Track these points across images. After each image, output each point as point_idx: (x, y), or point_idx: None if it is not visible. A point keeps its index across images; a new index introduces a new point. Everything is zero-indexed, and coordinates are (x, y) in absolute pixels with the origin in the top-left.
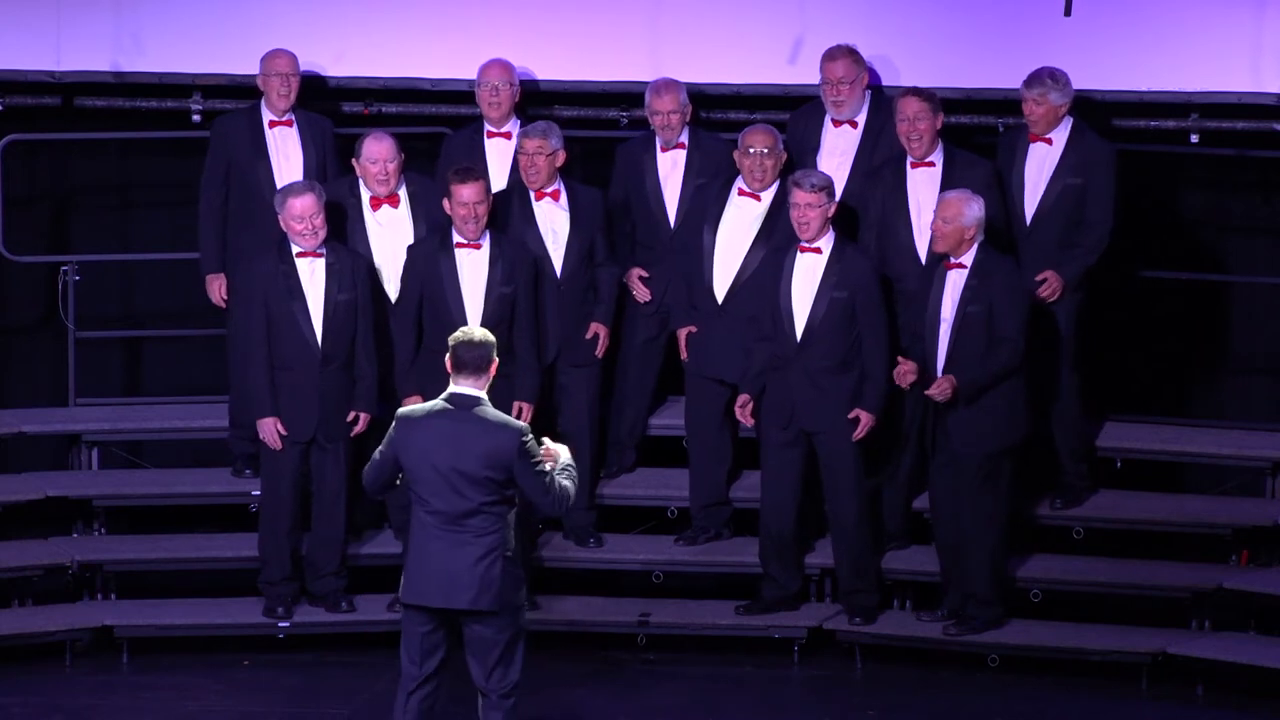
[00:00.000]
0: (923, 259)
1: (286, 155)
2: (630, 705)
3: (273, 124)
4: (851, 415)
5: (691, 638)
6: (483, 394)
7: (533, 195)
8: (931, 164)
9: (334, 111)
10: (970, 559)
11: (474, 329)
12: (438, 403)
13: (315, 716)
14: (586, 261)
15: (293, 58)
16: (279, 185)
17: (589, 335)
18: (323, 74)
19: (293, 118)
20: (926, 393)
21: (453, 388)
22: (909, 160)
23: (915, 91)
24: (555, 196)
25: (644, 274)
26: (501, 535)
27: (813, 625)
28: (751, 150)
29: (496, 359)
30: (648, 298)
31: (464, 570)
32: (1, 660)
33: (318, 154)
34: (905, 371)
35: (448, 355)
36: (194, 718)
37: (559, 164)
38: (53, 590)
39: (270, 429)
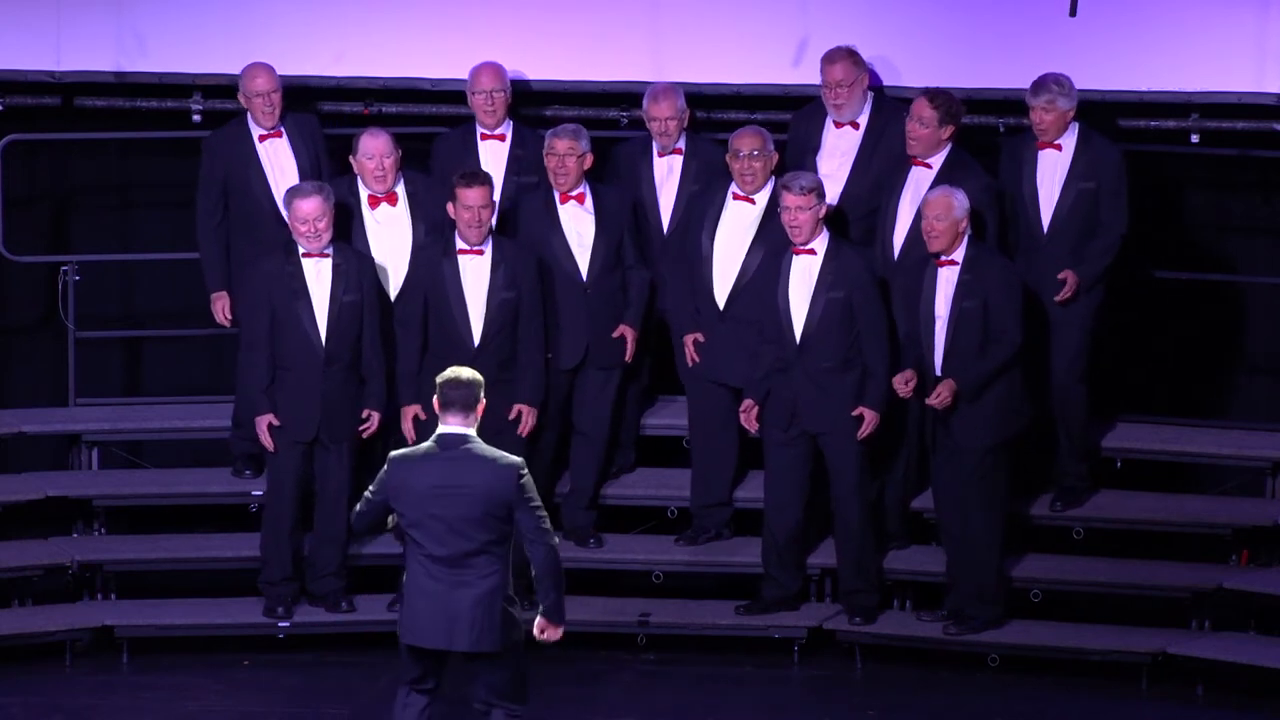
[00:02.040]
0: (896, 253)
1: (280, 167)
2: (630, 705)
3: (262, 137)
4: (855, 413)
5: (691, 638)
6: (472, 432)
7: (558, 198)
8: (929, 165)
9: (334, 112)
10: (976, 553)
11: (461, 369)
12: (430, 444)
13: (315, 716)
14: (615, 264)
15: (271, 73)
16: (277, 196)
17: (616, 335)
18: (323, 74)
19: (281, 128)
20: (927, 402)
21: (442, 428)
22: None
23: (930, 96)
24: (580, 199)
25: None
26: (502, 576)
27: (813, 625)
28: (740, 153)
29: (484, 400)
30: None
31: (464, 611)
32: (1, 660)
33: (310, 157)
34: (904, 380)
35: (435, 395)
36: (194, 718)
37: (586, 166)
38: (53, 590)
39: (264, 427)
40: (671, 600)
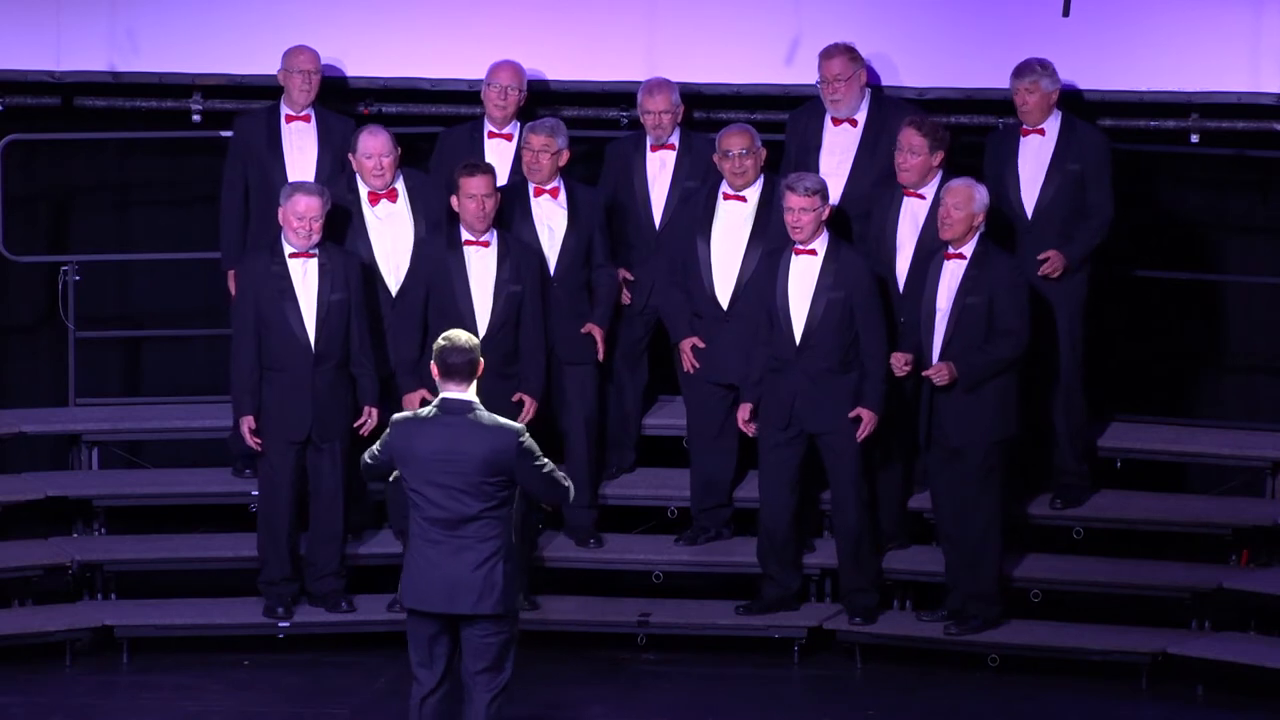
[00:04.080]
0: (901, 283)
1: (301, 150)
2: (630, 705)
3: (290, 119)
4: (853, 415)
5: (691, 638)
6: (474, 398)
7: (531, 191)
8: (922, 196)
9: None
10: (975, 554)
11: (458, 334)
12: (430, 409)
13: (315, 716)
14: (583, 261)
15: (315, 55)
16: (290, 180)
17: (584, 332)
18: (324, 74)
19: (311, 114)
20: (924, 374)
21: (443, 394)
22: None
23: (917, 125)
24: (554, 194)
25: (628, 276)
26: (503, 539)
27: (813, 625)
28: (730, 153)
29: (483, 361)
30: (628, 300)
31: (466, 574)
32: (1, 660)
33: (333, 154)
34: (902, 362)
35: (433, 361)
36: (194, 718)
37: (562, 163)
38: (53, 590)
39: (245, 429)
40: (671, 600)
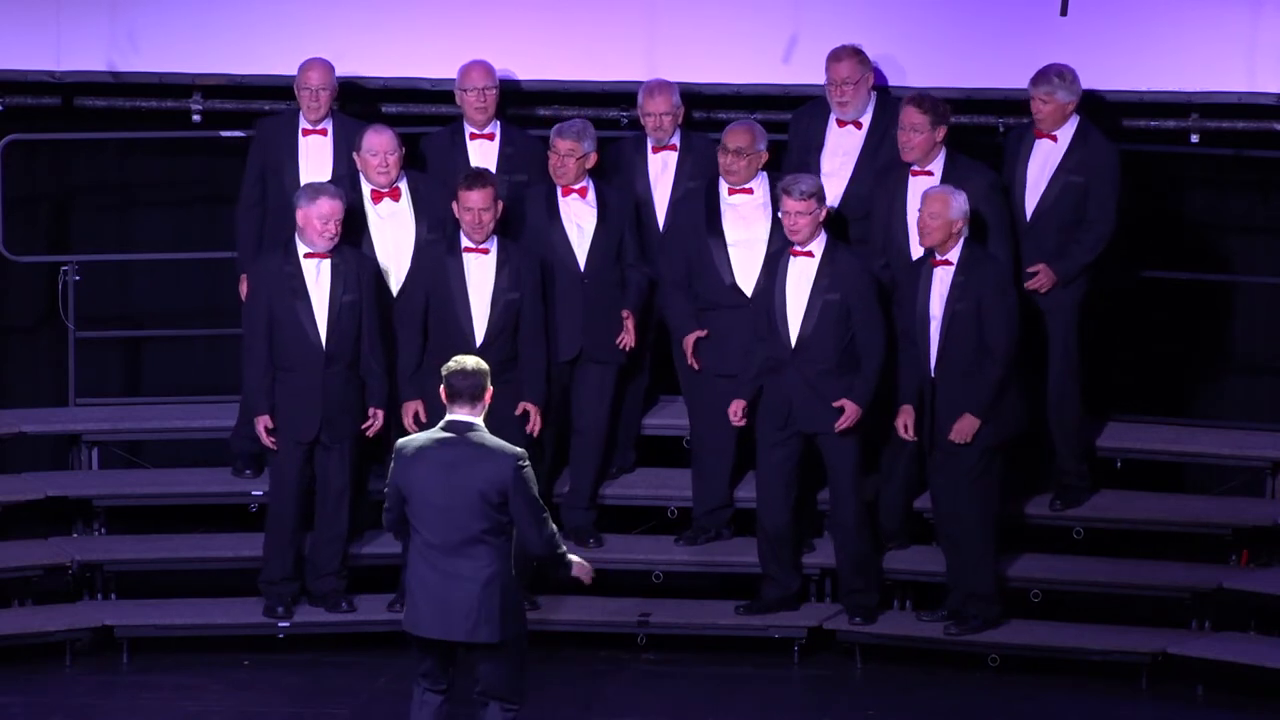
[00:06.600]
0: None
1: (316, 164)
2: (630, 705)
3: (306, 132)
4: (837, 404)
5: (691, 638)
6: (479, 420)
7: (559, 190)
8: (930, 173)
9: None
10: (972, 555)
11: (466, 358)
12: (435, 431)
13: (315, 716)
14: (614, 259)
15: (324, 70)
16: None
17: (624, 317)
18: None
19: (328, 127)
20: (950, 438)
21: (449, 415)
22: (911, 166)
23: (917, 102)
24: (583, 193)
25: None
26: (501, 565)
27: (813, 625)
28: (728, 148)
29: (491, 387)
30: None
31: (462, 600)
32: (1, 660)
33: (350, 164)
34: (904, 424)
35: (442, 385)
36: (194, 718)
37: (589, 166)
38: (53, 590)
39: (260, 428)
40: (671, 600)
